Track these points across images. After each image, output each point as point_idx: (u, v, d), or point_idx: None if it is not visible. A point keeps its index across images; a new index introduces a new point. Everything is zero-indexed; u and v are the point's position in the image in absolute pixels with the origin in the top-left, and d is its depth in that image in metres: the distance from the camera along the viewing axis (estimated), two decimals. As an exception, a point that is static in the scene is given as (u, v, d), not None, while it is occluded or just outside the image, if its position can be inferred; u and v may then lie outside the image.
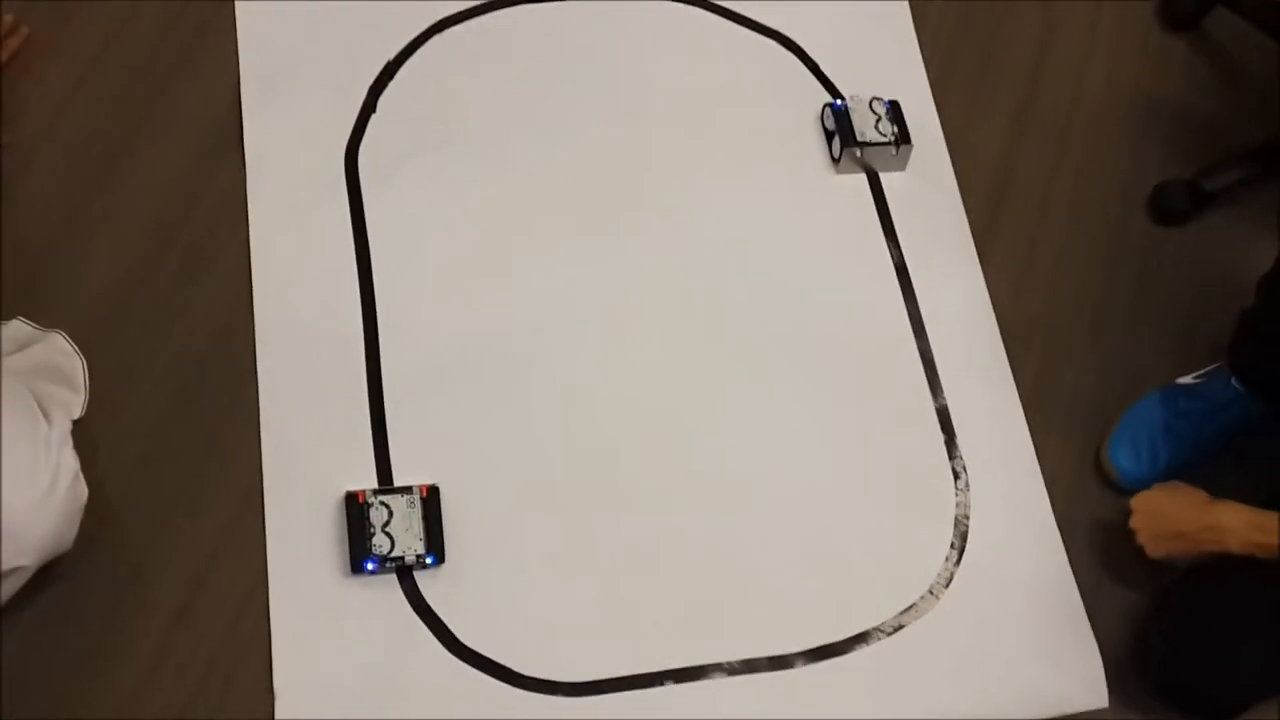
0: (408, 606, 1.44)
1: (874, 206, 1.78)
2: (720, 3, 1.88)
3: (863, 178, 1.79)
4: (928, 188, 1.80)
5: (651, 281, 1.67)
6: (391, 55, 1.74)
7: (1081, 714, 1.51)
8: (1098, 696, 1.51)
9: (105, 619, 1.40)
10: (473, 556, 1.48)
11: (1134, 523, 1.50)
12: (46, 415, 1.33)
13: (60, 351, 1.48)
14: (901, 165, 1.78)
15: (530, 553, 1.49)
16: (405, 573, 1.45)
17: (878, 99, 1.78)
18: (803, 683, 1.47)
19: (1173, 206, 1.80)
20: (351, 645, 1.41)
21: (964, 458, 1.63)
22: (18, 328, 1.49)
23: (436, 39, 1.77)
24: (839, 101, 1.79)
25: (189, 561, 1.44)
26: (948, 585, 1.55)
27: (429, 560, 1.44)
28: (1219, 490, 1.45)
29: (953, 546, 1.58)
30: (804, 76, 1.86)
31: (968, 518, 1.60)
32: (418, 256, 1.63)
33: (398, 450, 1.51)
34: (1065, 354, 1.72)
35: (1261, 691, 1.45)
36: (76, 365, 1.47)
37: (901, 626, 1.52)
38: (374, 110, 1.70)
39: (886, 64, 1.89)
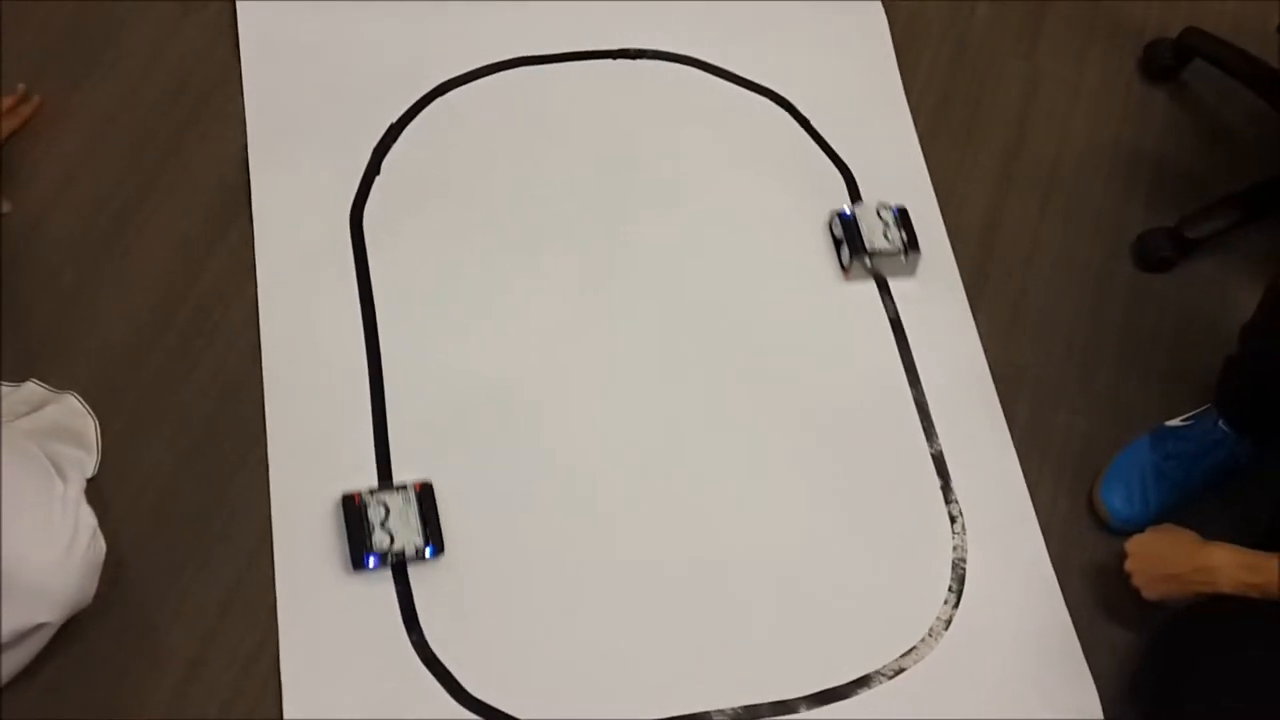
0: (417, 658, 1.46)
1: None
2: (712, 62, 1.93)
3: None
4: (919, 238, 1.83)
5: (645, 334, 1.70)
6: (395, 117, 1.78)
7: (1079, 754, 1.53)
8: (1095, 736, 1.54)
9: (118, 675, 1.42)
10: (480, 613, 1.50)
11: (1129, 565, 1.52)
12: (61, 474, 1.36)
13: (73, 412, 1.51)
14: (911, 271, 1.78)
15: (534, 606, 1.51)
16: (413, 624, 1.48)
17: (885, 206, 1.78)
18: (806, 727, 1.49)
19: (1157, 254, 1.84)
20: (360, 694, 1.43)
21: (960, 502, 1.65)
22: (31, 390, 1.51)
23: (439, 101, 1.81)
24: (847, 210, 1.78)
25: (200, 616, 1.46)
26: (947, 628, 1.57)
27: (429, 554, 1.49)
28: (1211, 531, 1.47)
29: (951, 589, 1.60)
30: (797, 133, 1.90)
31: (965, 561, 1.62)
32: (421, 314, 1.66)
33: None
34: (1056, 399, 1.75)
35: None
36: (89, 425, 1.50)
37: (902, 669, 1.53)
38: (378, 171, 1.74)
39: (875, 118, 1.93)
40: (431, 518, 1.51)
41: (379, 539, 1.48)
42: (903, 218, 1.78)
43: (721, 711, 1.48)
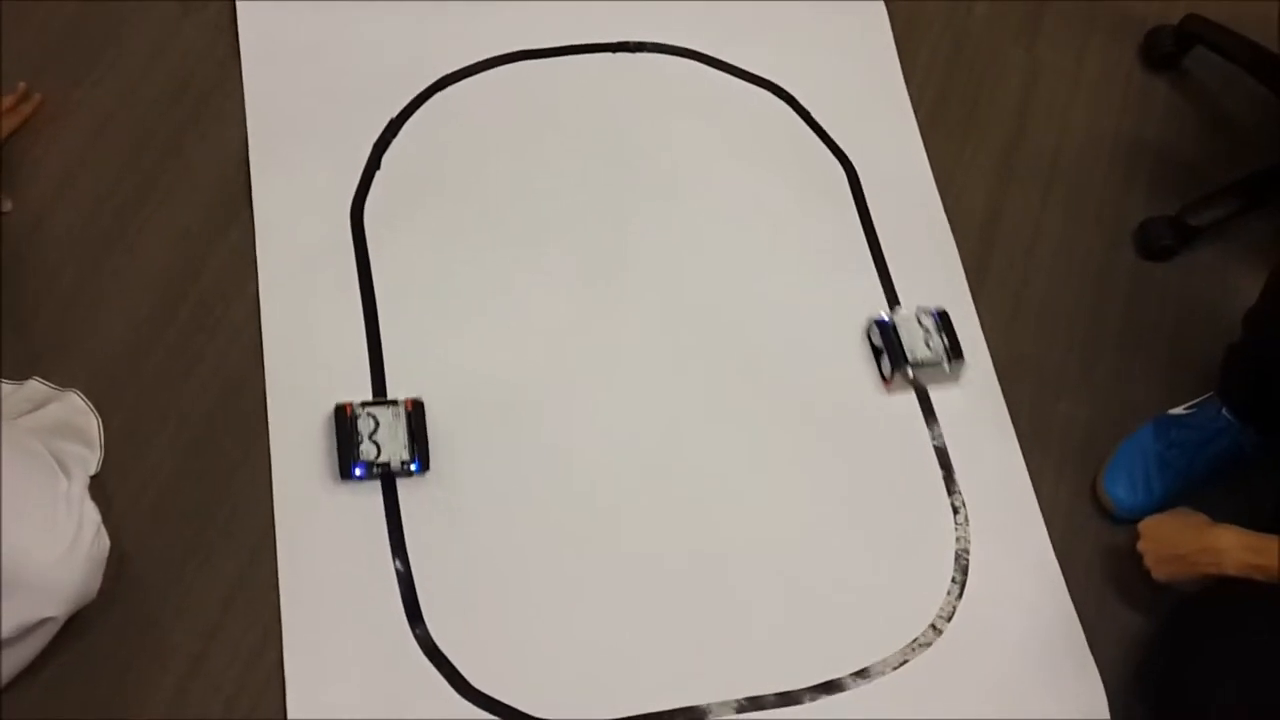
0: (421, 653, 1.46)
1: (868, 251, 1.81)
2: (712, 54, 1.93)
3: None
4: (920, 230, 1.84)
5: (646, 328, 1.70)
6: (395, 113, 1.79)
7: (1085, 743, 1.53)
8: (1100, 725, 1.54)
9: (122, 670, 1.42)
10: (481, 610, 1.50)
11: (1140, 546, 1.53)
12: (65, 471, 1.37)
13: (76, 410, 1.51)
14: (955, 379, 1.70)
15: (535, 601, 1.51)
16: (409, 592, 1.48)
17: (925, 311, 1.71)
18: (809, 718, 1.49)
19: (1158, 242, 1.84)
20: (363, 689, 1.44)
21: (963, 493, 1.65)
22: (34, 387, 1.52)
23: (438, 96, 1.82)
24: (885, 317, 1.71)
25: (203, 611, 1.46)
26: (950, 619, 1.57)
27: (414, 467, 1.53)
28: (1215, 519, 1.47)
29: (954, 581, 1.60)
30: (798, 126, 1.90)
31: (968, 552, 1.62)
32: (423, 309, 1.66)
33: (405, 496, 1.55)
34: (1058, 389, 1.75)
35: (1264, 717, 1.47)
36: (92, 422, 1.51)
37: (906, 661, 1.53)
38: (378, 167, 1.74)
39: (876, 110, 1.93)
40: (420, 435, 1.54)
41: (366, 449, 1.52)
42: (943, 322, 1.71)
43: (725, 703, 1.48)
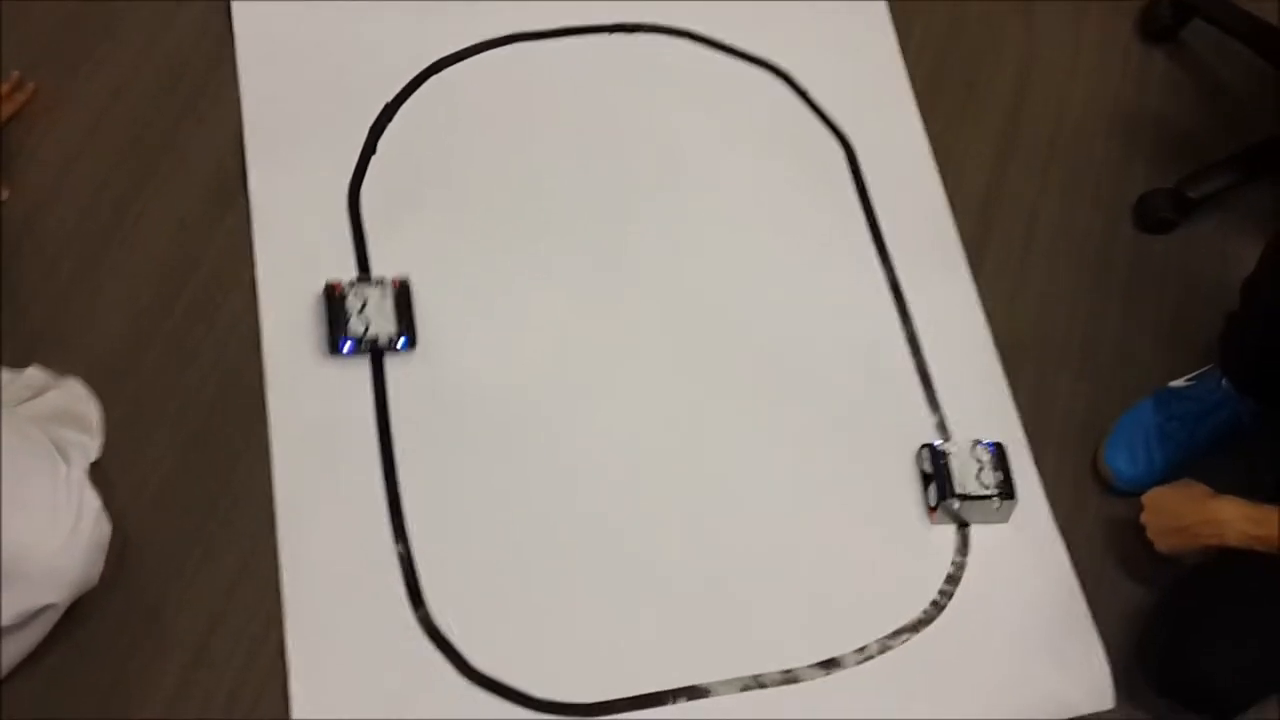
0: (423, 635, 1.46)
1: (868, 230, 1.81)
2: (710, 35, 1.92)
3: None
4: (919, 208, 1.83)
5: (646, 311, 1.70)
6: (390, 97, 1.78)
7: (1088, 715, 1.53)
8: (1104, 698, 1.53)
9: (125, 659, 1.42)
10: (490, 592, 1.50)
11: (1143, 518, 1.53)
12: (65, 458, 1.37)
13: (76, 397, 1.51)
14: (1004, 518, 1.62)
15: (536, 585, 1.52)
16: (411, 576, 1.48)
17: (980, 443, 1.63)
18: (812, 695, 1.49)
19: (1158, 215, 1.83)
20: (367, 673, 1.44)
21: (965, 470, 1.65)
22: (34, 375, 1.52)
23: (434, 80, 1.81)
24: (938, 443, 1.63)
25: (206, 599, 1.46)
26: (952, 594, 1.57)
27: (402, 345, 1.58)
28: (1220, 488, 1.47)
29: (956, 556, 1.60)
30: (796, 105, 1.89)
31: (969, 527, 1.62)
32: (423, 294, 1.66)
33: (405, 471, 1.55)
34: (1059, 363, 1.74)
35: (1266, 687, 1.47)
36: (92, 409, 1.51)
37: (908, 637, 1.54)
38: (374, 151, 1.74)
39: (874, 88, 1.93)
40: (405, 312, 1.59)
41: (354, 325, 1.58)
42: (999, 457, 1.62)
43: (727, 682, 1.48)
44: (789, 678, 1.49)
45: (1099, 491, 1.66)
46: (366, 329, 1.58)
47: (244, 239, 1.67)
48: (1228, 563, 1.45)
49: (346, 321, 1.58)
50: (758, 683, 1.49)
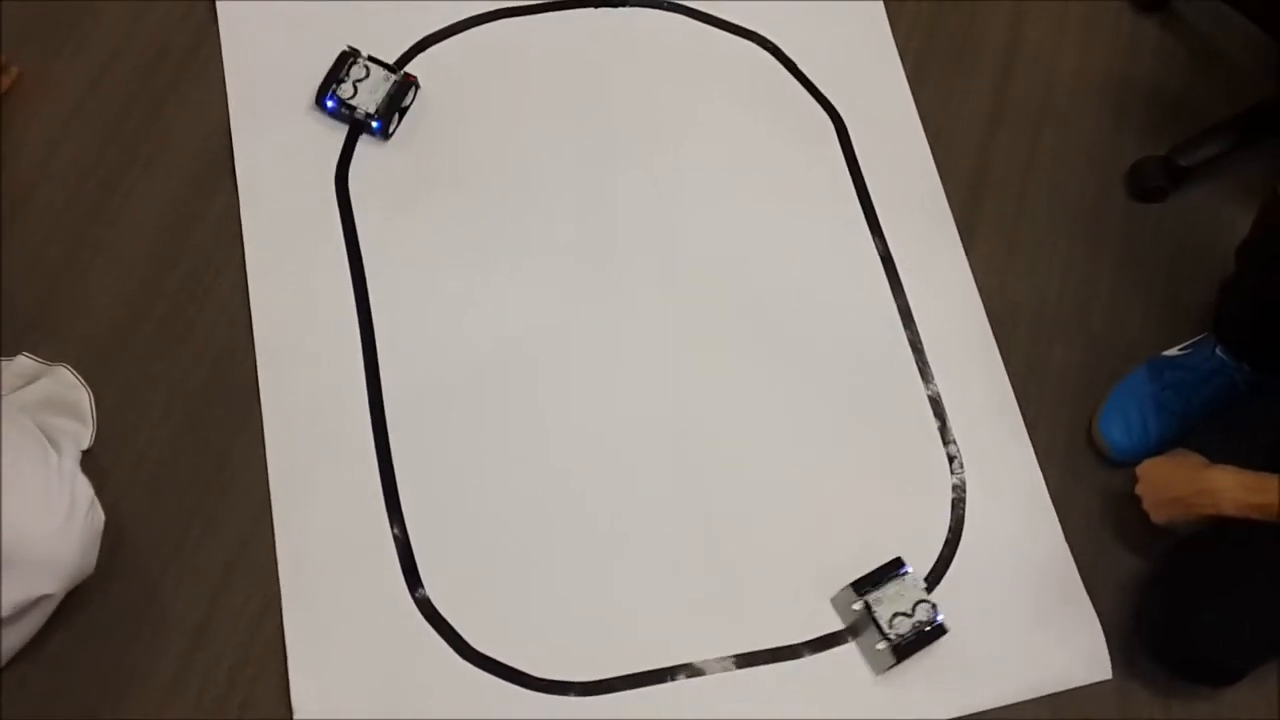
0: (420, 616, 1.47)
1: (858, 202, 1.80)
2: (697, 6, 1.91)
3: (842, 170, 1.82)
4: (910, 179, 1.82)
5: (639, 283, 1.70)
6: (376, 76, 1.77)
7: (1085, 686, 1.53)
8: (1101, 669, 1.54)
9: (125, 643, 1.43)
10: (486, 572, 1.51)
11: (1139, 489, 1.53)
12: (56, 447, 1.36)
13: (66, 384, 1.51)
14: (873, 664, 1.50)
15: (536, 560, 1.52)
16: (408, 557, 1.48)
17: (928, 603, 1.50)
18: (808, 672, 1.49)
19: (1150, 184, 1.83)
20: (363, 658, 1.44)
21: (957, 442, 1.65)
22: (23, 363, 1.51)
23: (421, 57, 1.80)
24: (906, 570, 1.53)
25: (204, 581, 1.47)
26: (947, 568, 1.58)
27: (375, 126, 1.69)
28: (1211, 460, 1.48)
29: (950, 530, 1.60)
30: (784, 77, 1.88)
31: (964, 501, 1.62)
32: (412, 274, 1.65)
33: (400, 452, 1.55)
34: (1052, 333, 1.74)
35: (1263, 655, 1.48)
36: (83, 397, 1.50)
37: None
38: (361, 131, 1.73)
39: (862, 59, 1.91)
40: (396, 102, 1.70)
41: (345, 89, 1.69)
42: (929, 632, 1.49)
43: (724, 659, 1.49)
44: (786, 654, 1.50)
45: (1093, 462, 1.66)
46: (354, 95, 1.69)
47: (232, 220, 1.66)
48: (1223, 532, 1.46)
49: (340, 83, 1.69)
50: (754, 659, 1.49)
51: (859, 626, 1.52)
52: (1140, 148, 1.86)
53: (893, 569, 1.53)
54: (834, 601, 1.53)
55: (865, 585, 1.52)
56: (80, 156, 1.68)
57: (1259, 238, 1.52)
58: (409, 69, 1.77)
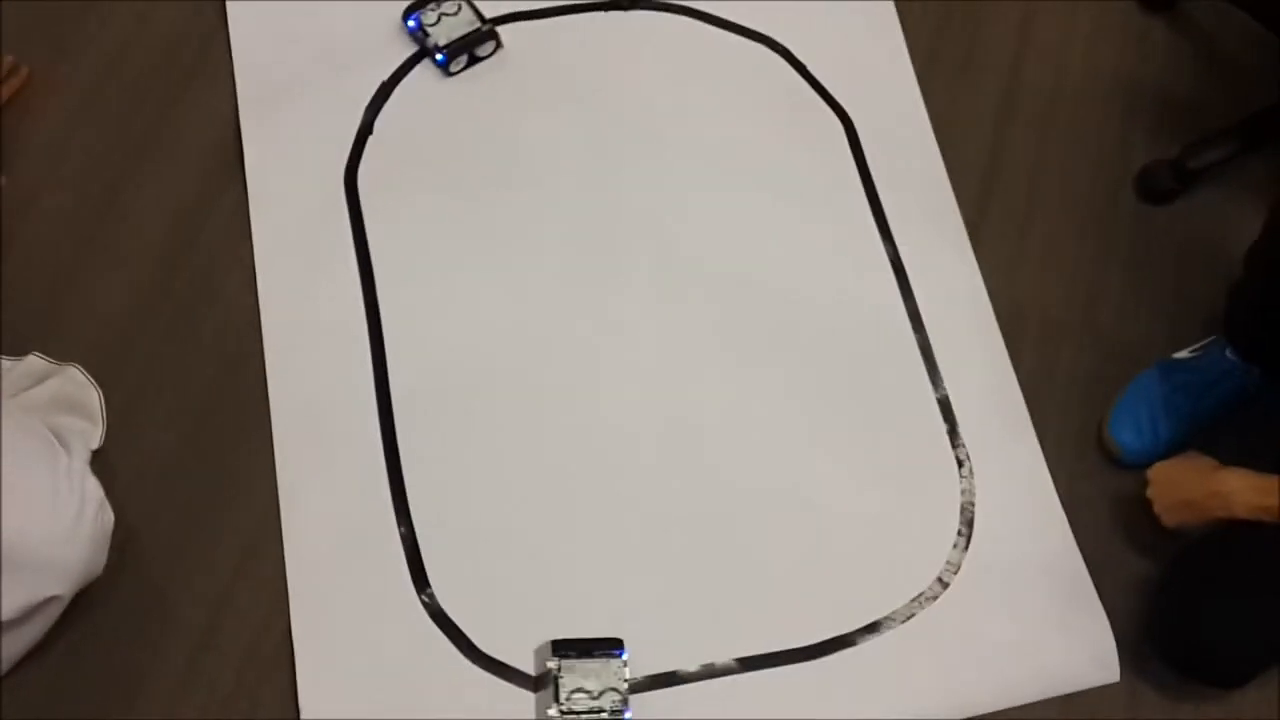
0: (427, 618, 1.46)
1: (868, 207, 1.80)
2: (704, 9, 1.91)
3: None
4: (919, 182, 1.82)
5: (645, 284, 1.69)
6: (385, 76, 1.77)
7: (1094, 688, 1.53)
8: (1110, 671, 1.53)
9: (132, 645, 1.43)
10: (485, 563, 1.50)
11: (1149, 493, 1.53)
12: (65, 446, 1.36)
13: (76, 384, 1.51)
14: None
15: (541, 562, 1.52)
16: (415, 559, 1.48)
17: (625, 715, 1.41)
18: (818, 675, 1.49)
19: (1159, 186, 1.83)
20: (371, 659, 1.44)
21: (967, 445, 1.65)
22: (33, 363, 1.51)
23: (430, 59, 1.80)
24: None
25: (212, 583, 1.47)
26: (957, 572, 1.57)
27: (439, 59, 1.76)
28: (1222, 462, 1.47)
29: (960, 534, 1.60)
30: (794, 80, 1.88)
31: (973, 504, 1.62)
32: (421, 273, 1.65)
33: (408, 452, 1.54)
34: (1061, 336, 1.74)
35: (1273, 657, 1.47)
36: (93, 397, 1.50)
37: (913, 615, 1.53)
38: (370, 131, 1.73)
39: (872, 61, 1.91)
40: (465, 44, 1.77)
41: (428, 15, 1.77)
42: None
43: (735, 661, 1.48)
44: (799, 654, 1.49)
45: (1103, 465, 1.66)
46: (435, 24, 1.76)
47: (241, 218, 1.66)
48: (1233, 533, 1.45)
49: (426, 7, 1.77)
50: (767, 660, 1.49)
51: (542, 682, 1.43)
52: (1149, 150, 1.86)
53: (608, 646, 1.44)
54: (536, 650, 1.45)
55: (569, 649, 1.43)
56: (89, 157, 1.68)
57: (1267, 242, 1.52)
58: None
